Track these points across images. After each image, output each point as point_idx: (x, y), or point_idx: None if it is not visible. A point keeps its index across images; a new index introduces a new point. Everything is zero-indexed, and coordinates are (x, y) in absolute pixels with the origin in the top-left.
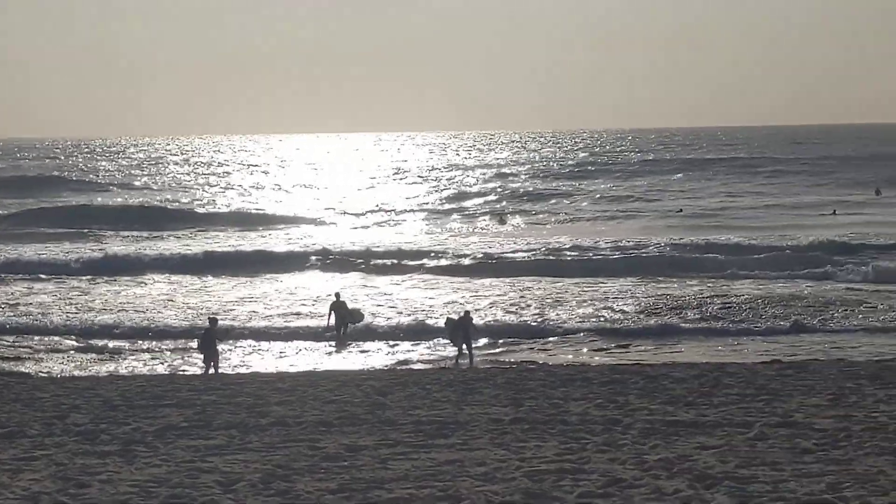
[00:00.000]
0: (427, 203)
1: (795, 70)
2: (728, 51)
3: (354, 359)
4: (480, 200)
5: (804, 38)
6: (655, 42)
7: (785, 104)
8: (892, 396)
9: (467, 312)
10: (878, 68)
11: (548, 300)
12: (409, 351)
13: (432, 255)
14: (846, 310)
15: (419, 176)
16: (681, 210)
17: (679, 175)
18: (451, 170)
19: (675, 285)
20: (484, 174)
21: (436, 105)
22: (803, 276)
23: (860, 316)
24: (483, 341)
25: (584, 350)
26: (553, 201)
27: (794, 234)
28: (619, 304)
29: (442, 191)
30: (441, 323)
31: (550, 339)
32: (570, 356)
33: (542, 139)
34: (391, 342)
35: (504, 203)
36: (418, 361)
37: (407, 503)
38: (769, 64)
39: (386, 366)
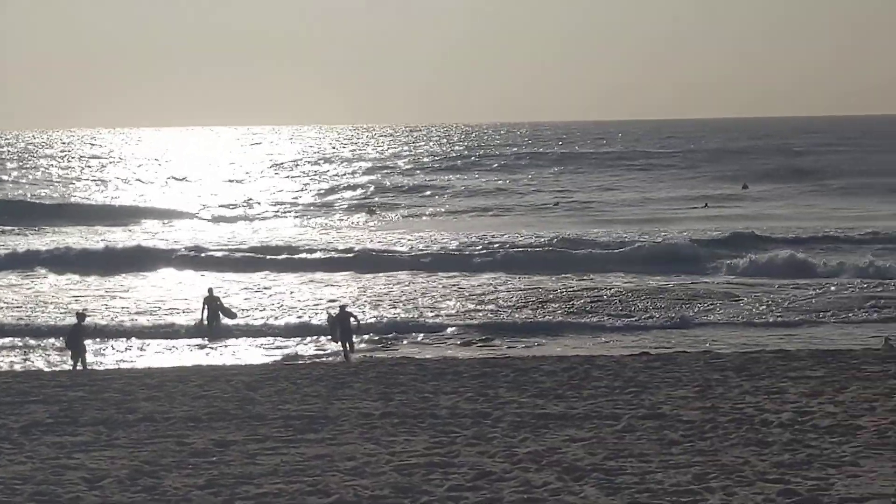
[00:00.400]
0: (300, 197)
1: (665, 67)
2: (602, 48)
3: (225, 354)
4: (354, 194)
5: (676, 36)
6: (527, 38)
7: (656, 100)
8: (757, 388)
9: (344, 307)
10: (744, 67)
11: (422, 295)
12: (281, 347)
13: (305, 250)
14: (713, 303)
15: (292, 170)
16: (556, 203)
17: (555, 169)
18: (326, 163)
19: (548, 279)
20: (359, 168)
21: (311, 99)
22: (673, 269)
23: (727, 309)
24: (367, 336)
25: (456, 344)
26: (428, 194)
27: (666, 227)
28: (492, 298)
29: (316, 185)
30: (316, 318)
31: (424, 334)
32: (442, 350)
33: (417, 133)
34: (263, 338)
35: (376, 197)
36: (291, 356)
37: (276, 498)
38: (642, 62)
39: (257, 361)
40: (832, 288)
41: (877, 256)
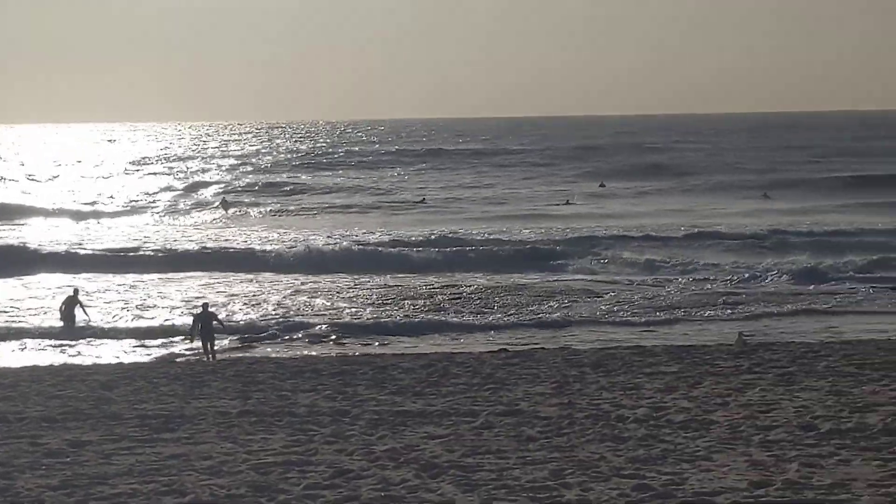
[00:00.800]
0: (158, 194)
1: (511, 63)
2: (452, 44)
3: (82, 354)
4: (213, 191)
5: (518, 33)
6: (380, 33)
7: (501, 96)
8: (613, 384)
9: (206, 305)
10: (586, 65)
11: (282, 294)
12: (141, 346)
13: (162, 248)
14: (572, 300)
15: (150, 167)
16: (422, 200)
17: (419, 166)
18: (184, 161)
19: (409, 277)
20: (219, 165)
21: (167, 95)
22: (533, 266)
23: (586, 306)
24: (228, 336)
25: (316, 343)
26: (288, 190)
27: (527, 224)
28: (352, 296)
29: (173, 182)
30: (174, 318)
31: (284, 332)
32: (302, 349)
33: (278, 129)
34: (123, 338)
35: (235, 194)
36: (165, 357)
37: (130, 498)
38: (489, 57)
39: (116, 361)
40: (688, 285)
41: (730, 252)
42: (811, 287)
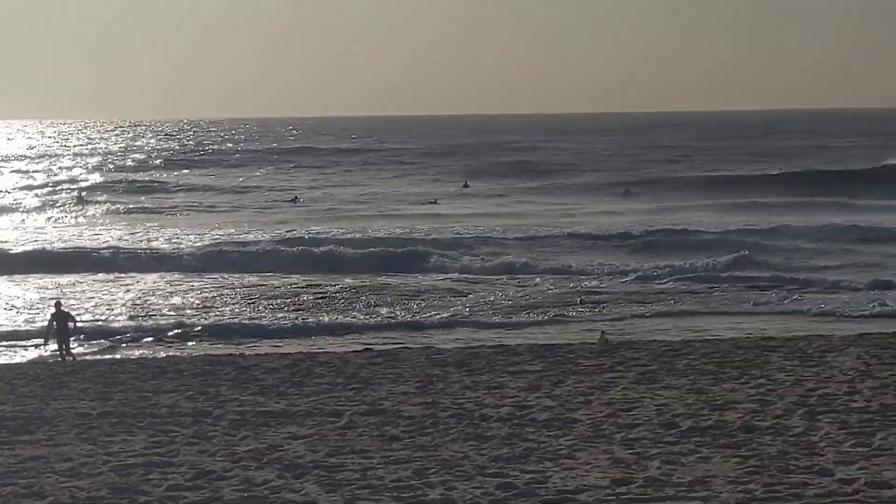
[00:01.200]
0: (15, 193)
1: (379, 63)
2: (320, 42)
3: None
4: (71, 189)
5: (387, 32)
6: (249, 30)
7: (368, 95)
8: (477, 383)
9: (59, 304)
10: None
11: (144, 295)
12: None
13: (20, 248)
14: (436, 299)
15: (7, 165)
16: (295, 199)
17: (288, 164)
18: (43, 159)
19: (274, 276)
20: (80, 163)
21: (25, 92)
22: (397, 266)
23: (449, 305)
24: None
25: (178, 343)
26: (150, 188)
27: (393, 224)
28: (216, 296)
29: (30, 181)
30: (34, 321)
31: (145, 334)
32: (163, 350)
33: (142, 128)
34: None
35: (89, 191)
36: (8, 357)
37: None
38: (358, 55)
39: None
40: (552, 285)
41: (593, 251)
42: (672, 286)
